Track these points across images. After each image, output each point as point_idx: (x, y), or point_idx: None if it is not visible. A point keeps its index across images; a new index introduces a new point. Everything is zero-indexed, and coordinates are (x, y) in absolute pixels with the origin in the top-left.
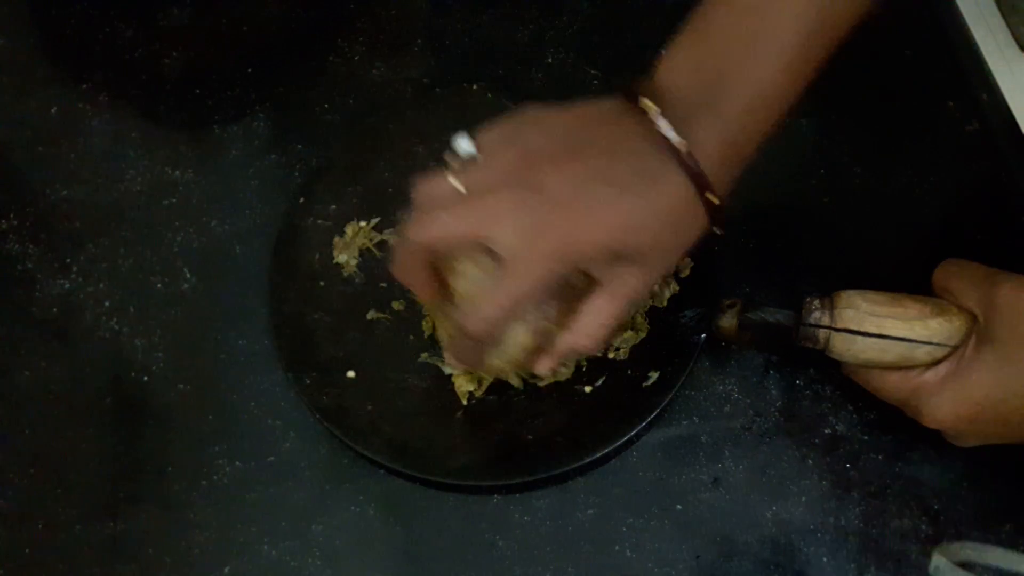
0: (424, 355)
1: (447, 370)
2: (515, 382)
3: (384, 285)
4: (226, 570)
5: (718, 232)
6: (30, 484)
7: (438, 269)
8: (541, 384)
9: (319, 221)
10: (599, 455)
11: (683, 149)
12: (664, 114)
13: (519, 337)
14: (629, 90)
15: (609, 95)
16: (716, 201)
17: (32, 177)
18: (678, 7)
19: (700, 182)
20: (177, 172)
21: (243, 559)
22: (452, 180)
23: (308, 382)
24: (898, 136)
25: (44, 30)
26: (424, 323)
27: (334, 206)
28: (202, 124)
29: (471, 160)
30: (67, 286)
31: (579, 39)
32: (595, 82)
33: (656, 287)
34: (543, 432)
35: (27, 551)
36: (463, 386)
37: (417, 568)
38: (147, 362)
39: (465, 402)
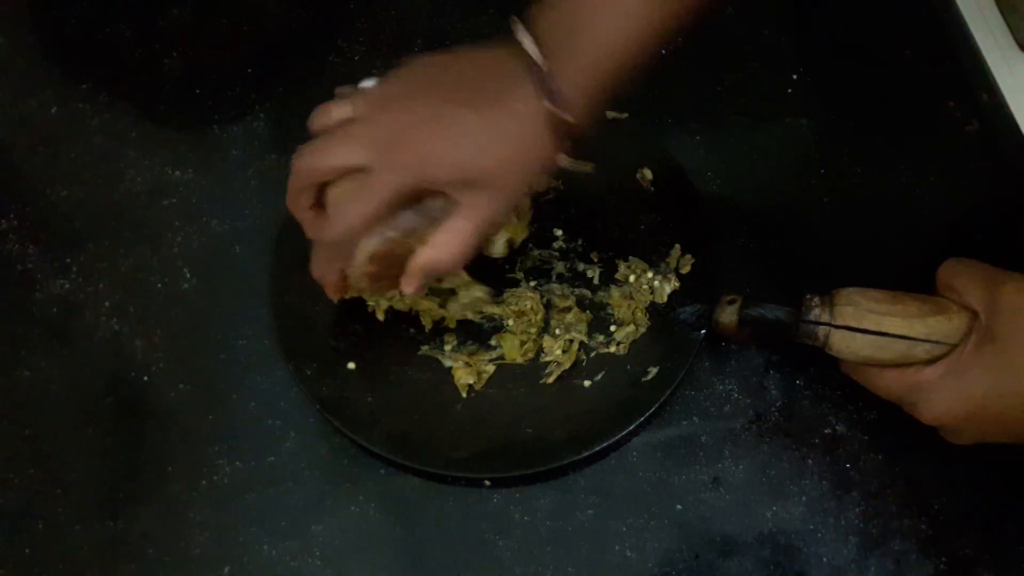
0: (424, 348)
1: (447, 363)
2: (399, 305)
3: None
4: (226, 570)
5: (563, 164)
6: (30, 484)
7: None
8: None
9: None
10: (598, 449)
11: (543, 68)
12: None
13: (370, 251)
14: (516, 27)
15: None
16: (571, 120)
17: (32, 177)
18: None
19: (554, 99)
20: (177, 172)
21: (243, 559)
22: (339, 108)
23: (309, 373)
24: (898, 136)
25: (44, 30)
26: (422, 317)
27: None
28: (202, 124)
29: (362, 91)
30: (67, 286)
31: None
32: None
33: (625, 267)
34: (542, 426)
35: (27, 551)
36: (463, 379)
37: (417, 568)
38: (147, 362)
39: (464, 395)
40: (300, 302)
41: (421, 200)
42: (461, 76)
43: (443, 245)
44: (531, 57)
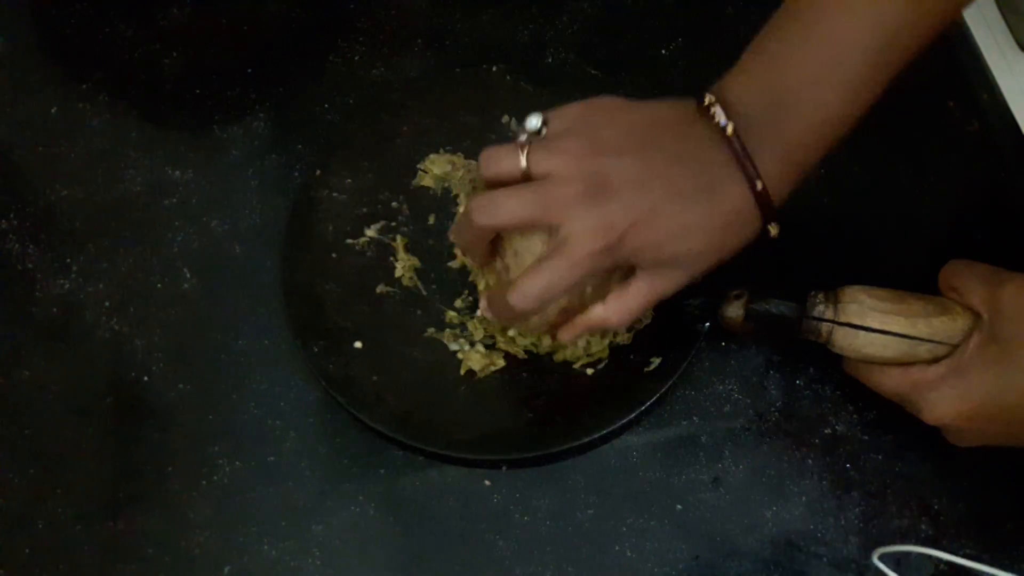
0: (430, 330)
1: (452, 346)
2: (517, 348)
3: (392, 259)
4: (226, 570)
5: (774, 234)
6: (30, 484)
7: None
8: (542, 351)
9: (335, 194)
10: (597, 436)
11: (748, 163)
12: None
13: (553, 308)
14: (700, 97)
15: (677, 98)
16: (773, 212)
17: (32, 177)
18: (678, 7)
19: (760, 197)
20: (177, 172)
21: (243, 559)
22: (511, 158)
23: (316, 350)
24: (898, 136)
25: (44, 30)
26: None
27: (350, 180)
28: (202, 124)
29: (536, 135)
30: (67, 286)
31: (579, 39)
32: (591, 88)
33: None
34: (544, 411)
35: (27, 551)
36: (471, 364)
37: (417, 568)
38: (147, 362)
39: (462, 373)
40: (309, 281)
41: None
42: (657, 146)
43: (617, 308)
44: (729, 136)
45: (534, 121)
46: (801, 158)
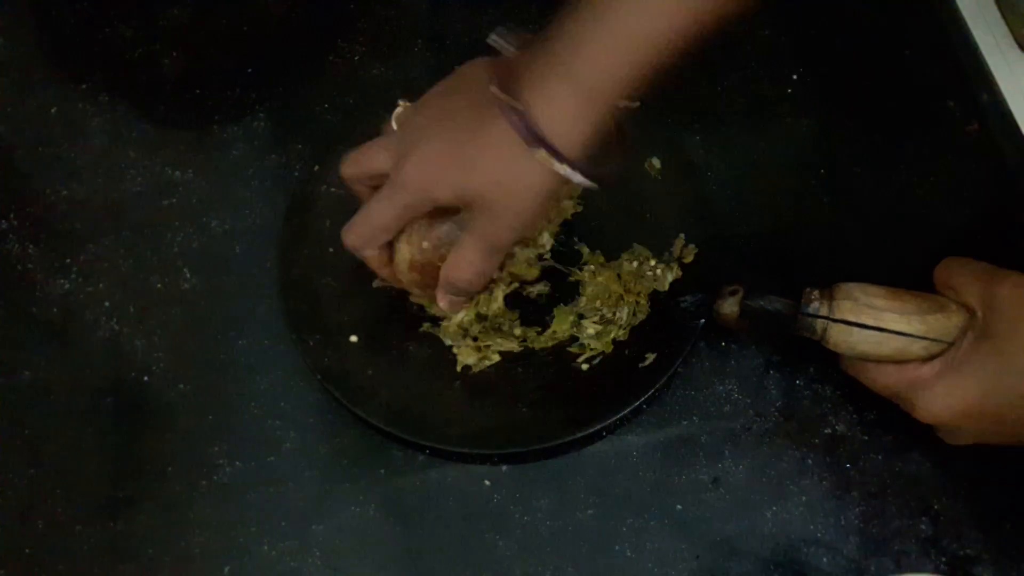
0: (426, 325)
1: (448, 341)
2: (512, 345)
3: None
4: (226, 570)
5: (578, 180)
6: (30, 484)
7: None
8: (537, 346)
9: (332, 189)
10: (592, 431)
11: (509, 94)
12: (510, 79)
13: (404, 252)
14: (494, 63)
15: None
16: (565, 156)
17: (32, 177)
18: None
19: (526, 130)
20: (177, 172)
21: (243, 559)
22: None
23: (312, 344)
24: (898, 136)
25: (44, 30)
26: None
27: None
28: (202, 124)
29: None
30: (67, 286)
31: None
32: None
33: (635, 264)
34: (539, 406)
35: (27, 551)
36: (463, 359)
37: (417, 568)
38: (147, 362)
39: (459, 369)
40: (306, 275)
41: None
42: (454, 112)
43: (456, 263)
44: (507, 103)
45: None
46: (597, 93)
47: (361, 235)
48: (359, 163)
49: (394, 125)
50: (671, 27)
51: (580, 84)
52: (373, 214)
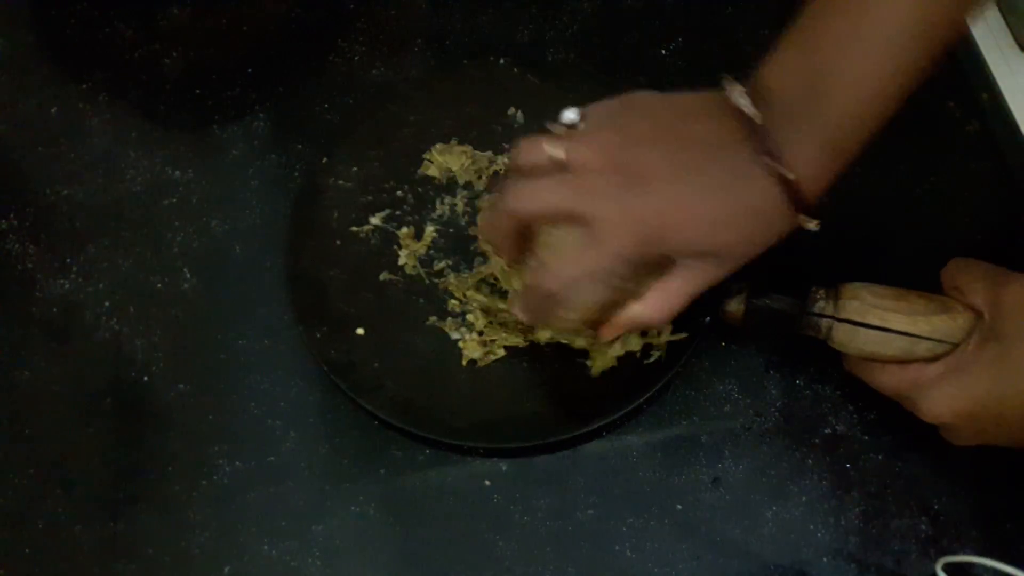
0: (432, 319)
1: (453, 335)
2: (580, 343)
3: (396, 247)
4: (226, 570)
5: (813, 228)
6: (30, 484)
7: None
8: (576, 346)
9: (340, 182)
10: (596, 427)
11: (774, 155)
12: (763, 116)
13: (588, 302)
14: (732, 88)
15: (710, 88)
16: (806, 204)
17: (32, 177)
18: (678, 7)
19: (788, 188)
20: (177, 172)
21: (243, 559)
22: (552, 148)
23: (319, 336)
24: (898, 136)
25: (44, 30)
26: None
27: (356, 168)
28: (202, 124)
29: (571, 129)
30: (67, 286)
31: (579, 39)
32: (597, 83)
33: None
34: (543, 402)
35: (27, 551)
36: (469, 353)
37: (417, 568)
38: (147, 362)
39: (464, 363)
40: (314, 267)
41: None
42: (688, 136)
43: (655, 303)
44: (748, 116)
45: (570, 115)
46: (840, 145)
47: (567, 284)
48: (545, 199)
49: (561, 153)
50: (913, 63)
51: (829, 140)
52: (585, 263)
